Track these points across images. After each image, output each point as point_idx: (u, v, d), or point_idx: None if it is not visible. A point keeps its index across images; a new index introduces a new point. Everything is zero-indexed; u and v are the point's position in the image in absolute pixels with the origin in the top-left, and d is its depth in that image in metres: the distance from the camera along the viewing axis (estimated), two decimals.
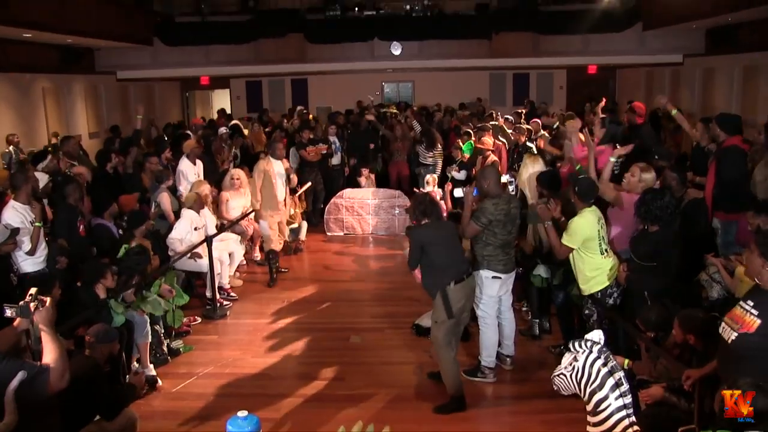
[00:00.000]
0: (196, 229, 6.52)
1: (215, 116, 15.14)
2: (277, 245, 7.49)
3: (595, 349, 3.01)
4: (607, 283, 4.42)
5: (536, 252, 5.42)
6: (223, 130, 10.20)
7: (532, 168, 5.90)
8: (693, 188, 5.41)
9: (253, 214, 7.61)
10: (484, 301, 4.81)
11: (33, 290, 2.50)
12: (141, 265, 5.19)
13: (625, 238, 4.57)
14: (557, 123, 9.87)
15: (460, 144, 9.17)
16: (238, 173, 7.80)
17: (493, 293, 4.80)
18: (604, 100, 8.07)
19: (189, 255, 6.33)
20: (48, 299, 2.47)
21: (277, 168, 7.48)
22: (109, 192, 6.81)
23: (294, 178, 8.06)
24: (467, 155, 8.91)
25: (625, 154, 5.32)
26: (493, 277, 4.75)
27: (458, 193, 5.05)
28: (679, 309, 3.77)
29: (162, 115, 16.50)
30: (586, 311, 4.58)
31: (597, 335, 3.05)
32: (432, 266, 4.41)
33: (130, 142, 8.29)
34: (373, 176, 10.12)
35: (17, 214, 5.10)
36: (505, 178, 5.31)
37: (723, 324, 2.90)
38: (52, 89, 12.85)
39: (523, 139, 8.60)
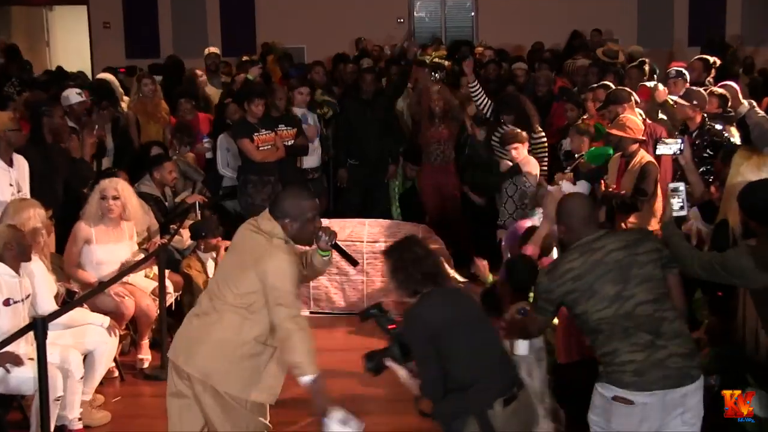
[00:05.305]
0: (8, 303, 6.53)
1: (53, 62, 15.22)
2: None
3: None
4: None
5: (743, 359, 5.41)
6: (75, 94, 10.25)
7: (751, 175, 5.88)
8: None
9: (142, 273, 8.08)
10: None
11: None
12: None
13: None
14: None
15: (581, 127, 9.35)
16: (114, 187, 7.95)
17: None
18: None
19: None
20: None
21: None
22: None
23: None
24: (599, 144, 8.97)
25: None
26: (615, 398, 4.74)
27: None
28: None
29: None
30: None
31: None
32: (450, 377, 4.68)
33: None
34: None
35: None
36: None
37: None
38: None
39: (699, 118, 8.51)
